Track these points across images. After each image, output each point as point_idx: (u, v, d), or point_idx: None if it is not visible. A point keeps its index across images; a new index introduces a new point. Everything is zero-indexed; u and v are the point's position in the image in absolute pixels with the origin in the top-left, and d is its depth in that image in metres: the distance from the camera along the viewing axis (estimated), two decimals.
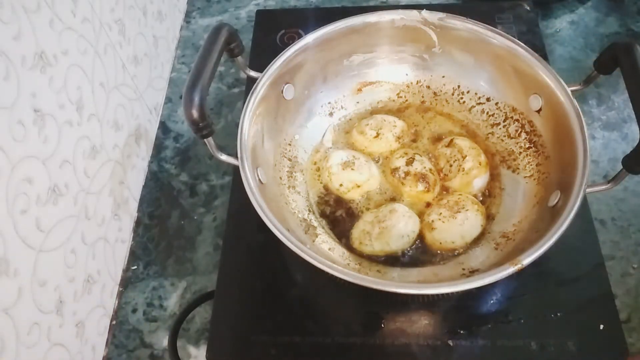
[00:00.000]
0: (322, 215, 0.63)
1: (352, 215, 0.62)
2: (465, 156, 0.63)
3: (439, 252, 0.59)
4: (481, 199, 0.62)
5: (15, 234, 0.46)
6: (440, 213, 0.59)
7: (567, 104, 0.56)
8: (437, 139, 0.68)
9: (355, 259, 0.59)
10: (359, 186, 0.63)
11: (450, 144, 0.65)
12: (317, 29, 0.64)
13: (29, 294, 0.48)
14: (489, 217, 0.61)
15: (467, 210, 0.59)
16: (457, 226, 0.58)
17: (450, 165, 0.64)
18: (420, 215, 0.61)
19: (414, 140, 0.68)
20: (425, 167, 0.63)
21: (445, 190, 0.64)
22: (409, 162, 0.63)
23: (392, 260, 0.58)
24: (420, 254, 0.59)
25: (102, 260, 0.63)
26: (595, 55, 0.57)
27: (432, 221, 0.59)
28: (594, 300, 0.56)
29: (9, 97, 0.46)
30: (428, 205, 0.62)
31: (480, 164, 0.63)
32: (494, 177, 0.64)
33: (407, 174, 0.63)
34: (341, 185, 0.63)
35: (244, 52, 0.60)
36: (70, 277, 0.55)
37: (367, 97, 0.72)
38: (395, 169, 0.64)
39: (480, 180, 0.63)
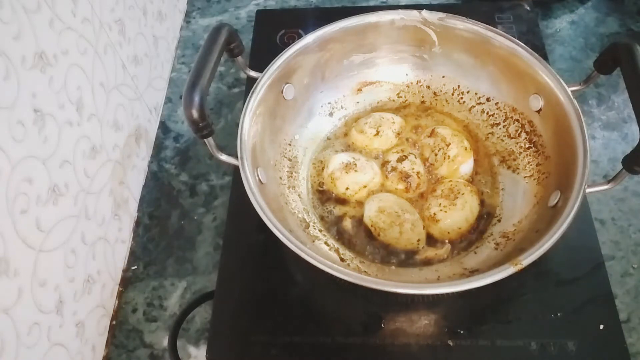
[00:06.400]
0: (322, 215, 0.63)
1: (352, 215, 0.62)
2: (449, 144, 0.64)
3: (447, 241, 0.59)
4: (482, 198, 0.62)
5: (15, 234, 0.46)
6: (440, 204, 0.60)
7: (567, 104, 0.56)
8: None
9: (356, 258, 0.59)
10: (365, 186, 0.63)
11: (432, 134, 0.65)
12: (317, 29, 0.64)
13: (29, 294, 0.48)
14: (491, 217, 0.61)
15: (463, 194, 0.60)
16: (459, 211, 0.59)
17: (436, 155, 0.64)
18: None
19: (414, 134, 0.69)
20: (413, 169, 0.64)
21: (434, 179, 0.64)
22: (401, 160, 0.64)
23: (392, 260, 0.58)
24: (420, 253, 0.59)
25: (102, 260, 0.63)
26: (595, 55, 0.57)
27: (434, 214, 0.59)
28: (594, 300, 0.56)
29: (9, 97, 0.46)
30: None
31: (465, 150, 0.63)
32: (493, 176, 0.64)
33: (393, 169, 0.64)
34: (347, 188, 0.63)
35: (244, 52, 0.60)
36: (70, 277, 0.55)
37: (367, 97, 0.72)
38: (386, 162, 0.65)
39: (466, 166, 0.63)
